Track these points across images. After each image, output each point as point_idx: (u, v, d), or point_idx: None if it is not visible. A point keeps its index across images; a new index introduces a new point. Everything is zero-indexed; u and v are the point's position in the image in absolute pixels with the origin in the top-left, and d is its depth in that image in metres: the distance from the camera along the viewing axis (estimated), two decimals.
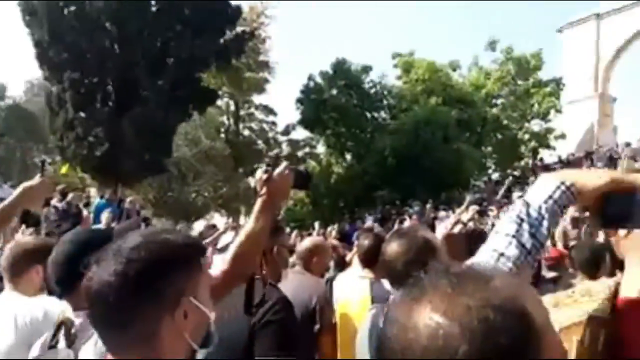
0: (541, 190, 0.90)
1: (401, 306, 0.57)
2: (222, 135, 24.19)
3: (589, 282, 1.11)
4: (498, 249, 0.87)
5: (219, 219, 22.51)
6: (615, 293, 1.03)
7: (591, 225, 3.19)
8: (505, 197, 13.42)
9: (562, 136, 20.85)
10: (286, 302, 1.76)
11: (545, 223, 0.88)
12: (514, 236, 0.87)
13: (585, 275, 3.86)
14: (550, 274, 5.26)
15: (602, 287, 1.06)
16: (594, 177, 0.93)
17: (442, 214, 11.51)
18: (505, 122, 21.08)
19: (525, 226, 0.87)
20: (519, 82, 21.41)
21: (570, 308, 1.05)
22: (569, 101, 23.10)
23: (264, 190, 1.41)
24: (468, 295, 0.53)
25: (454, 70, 22.40)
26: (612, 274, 3.51)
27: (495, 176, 21.21)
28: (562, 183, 0.90)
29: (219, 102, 21.74)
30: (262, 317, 1.66)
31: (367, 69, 20.92)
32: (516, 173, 19.72)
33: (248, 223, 1.43)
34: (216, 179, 23.05)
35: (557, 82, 21.81)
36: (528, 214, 0.88)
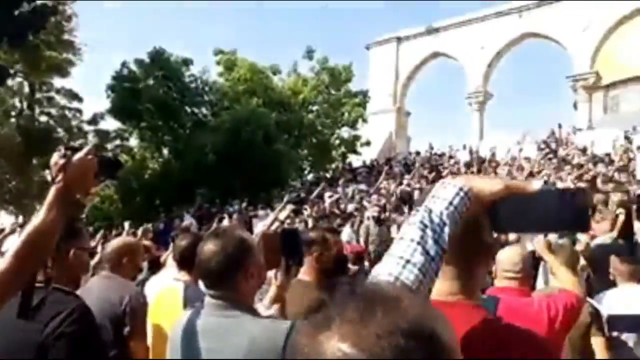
0: (441, 196, 0.91)
1: (307, 335, 0.53)
2: (13, 120, 20.92)
3: None
4: (404, 256, 0.86)
5: (6, 218, 19.47)
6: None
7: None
8: (318, 197, 14.24)
9: (367, 143, 23.08)
10: (84, 311, 1.59)
11: (446, 229, 0.89)
12: (418, 242, 0.87)
13: None
14: (354, 268, 5.76)
15: None
16: (490, 183, 0.97)
17: (261, 212, 11.70)
18: (319, 127, 22.48)
19: (429, 232, 0.87)
20: (332, 91, 23.05)
21: None
22: (373, 112, 25.71)
23: (60, 177, 1.19)
24: (377, 322, 0.51)
25: (275, 74, 23.08)
26: None
27: (310, 177, 22.51)
28: (461, 189, 0.91)
29: (9, 82, 18.75)
30: (56, 328, 1.49)
31: (187, 62, 20.24)
32: (328, 175, 21.18)
33: (37, 215, 1.20)
34: (3, 171, 19.83)
35: (364, 94, 24.02)
36: (431, 220, 0.88)
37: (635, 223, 6.04)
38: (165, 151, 20.42)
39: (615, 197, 6.27)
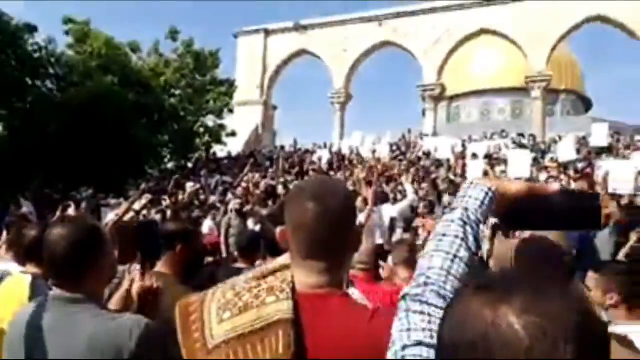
0: (473, 195, 0.98)
1: (480, 306, 0.58)
2: None
3: (271, 277, 1.18)
4: (451, 251, 0.90)
5: None
6: (294, 288, 1.13)
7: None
8: (178, 187, 13.67)
9: (233, 134, 22.77)
10: None
11: (481, 227, 0.95)
12: (462, 239, 0.91)
13: (243, 259, 4.37)
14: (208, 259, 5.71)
15: (280, 281, 1.14)
16: (515, 185, 1.05)
17: (113, 201, 10.86)
18: (182, 113, 21.53)
19: (469, 229, 0.93)
20: (198, 76, 22.24)
21: (257, 311, 1.10)
22: (240, 103, 25.48)
23: None
24: (554, 298, 0.57)
25: (134, 51, 21.49)
26: (264, 259, 4.05)
27: (170, 165, 21.48)
28: (489, 189, 0.98)
29: None
30: None
31: (31, 29, 17.89)
32: (190, 164, 20.47)
33: None
34: None
35: (231, 84, 23.61)
36: (469, 218, 0.94)
37: None
38: None
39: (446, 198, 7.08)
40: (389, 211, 7.78)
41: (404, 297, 0.89)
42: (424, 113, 26.29)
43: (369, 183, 9.10)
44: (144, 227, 1.90)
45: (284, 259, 1.32)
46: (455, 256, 0.90)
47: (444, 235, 0.94)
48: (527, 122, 25.06)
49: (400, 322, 0.85)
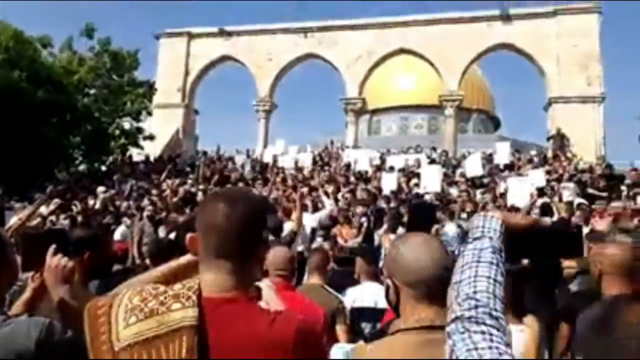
0: (492, 227, 1.14)
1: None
2: None
3: (178, 285, 1.23)
4: (491, 276, 1.02)
5: None
6: (200, 294, 1.19)
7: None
8: (89, 191, 12.99)
9: (151, 137, 21.99)
10: None
11: (502, 254, 1.09)
12: (497, 265, 1.04)
13: (155, 266, 4.32)
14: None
15: (186, 289, 1.20)
16: (522, 219, 1.24)
17: (17, 205, 10.10)
18: (97, 114, 20.47)
19: (499, 257, 1.07)
20: (115, 77, 21.30)
21: (162, 317, 1.16)
22: (160, 106, 24.69)
23: None
24: None
25: (45, 47, 20.17)
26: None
27: (81, 168, 20.30)
28: (503, 221, 1.16)
29: None
30: None
31: None
32: (103, 167, 19.49)
33: None
34: None
35: (151, 86, 22.84)
36: (495, 247, 1.09)
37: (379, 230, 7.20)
38: None
39: (359, 209, 7.41)
40: (309, 220, 7.96)
41: (455, 320, 0.99)
42: (346, 125, 26.98)
43: (294, 188, 9.25)
44: (52, 234, 1.84)
45: (188, 257, 1.39)
46: (495, 280, 1.01)
47: (478, 262, 1.05)
48: (441, 137, 26.54)
49: (464, 342, 0.93)
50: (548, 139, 20.12)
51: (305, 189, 10.04)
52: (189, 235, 1.32)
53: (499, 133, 34.44)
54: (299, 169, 14.94)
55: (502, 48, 23.41)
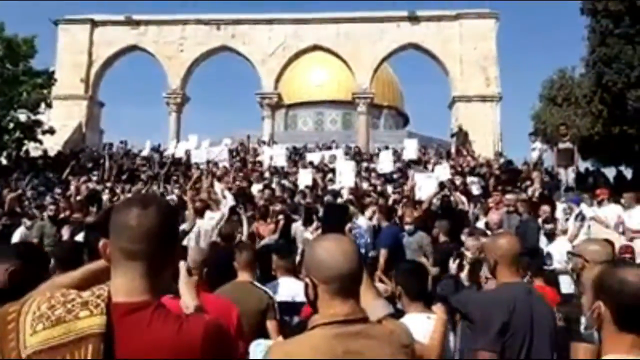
0: None
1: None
2: None
3: (87, 292, 1.24)
4: None
5: None
6: (109, 301, 1.21)
7: None
8: None
9: (51, 131, 20.43)
10: None
11: None
12: None
13: (61, 271, 4.11)
14: None
15: (95, 296, 1.21)
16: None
17: None
18: None
19: None
20: (8, 65, 19.50)
21: (69, 325, 1.17)
22: (60, 97, 23.01)
23: None
24: None
25: None
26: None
27: None
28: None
29: None
30: None
31: None
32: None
33: None
34: None
35: (50, 75, 21.21)
36: None
37: (293, 225, 7.33)
38: None
39: (277, 207, 7.50)
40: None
41: None
42: (263, 119, 26.88)
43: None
44: None
45: (101, 262, 1.40)
46: None
47: None
48: (355, 132, 27.32)
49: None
50: (452, 135, 21.46)
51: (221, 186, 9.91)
52: (102, 241, 1.33)
53: (408, 129, 36.07)
54: (215, 164, 14.68)
55: (411, 48, 24.53)
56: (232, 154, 17.76)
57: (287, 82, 27.69)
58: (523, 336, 2.58)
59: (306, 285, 1.52)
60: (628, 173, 17.86)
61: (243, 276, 3.84)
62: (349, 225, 7.15)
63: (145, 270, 1.24)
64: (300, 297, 4.31)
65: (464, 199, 9.25)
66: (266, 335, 3.47)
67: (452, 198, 8.77)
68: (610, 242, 3.44)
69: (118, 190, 10.90)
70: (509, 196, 9.18)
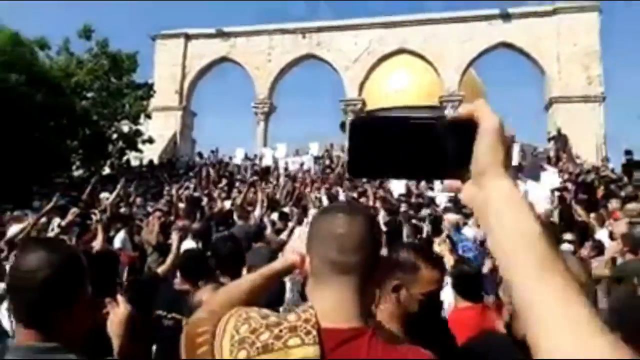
0: None
1: None
2: None
3: (292, 315, 1.05)
4: None
5: None
6: (319, 327, 1.01)
7: None
8: (90, 195, 12.72)
9: (150, 141, 21.72)
10: None
11: None
12: None
13: (185, 280, 4.14)
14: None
15: (302, 320, 1.02)
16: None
17: (16, 212, 9.83)
18: (95, 117, 20.18)
19: None
20: (113, 79, 21.01)
21: (279, 354, 0.98)
22: (158, 108, 24.44)
23: None
24: None
25: (42, 49, 19.88)
26: (210, 278, 3.84)
27: (77, 174, 19.98)
28: None
29: None
30: None
31: None
32: (103, 172, 19.20)
33: None
34: None
35: (149, 87, 22.59)
36: None
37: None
38: None
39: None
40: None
41: None
42: (341, 126, 26.89)
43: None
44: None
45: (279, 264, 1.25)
46: None
47: None
48: None
49: None
50: (549, 139, 20.09)
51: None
52: (295, 254, 1.19)
53: None
54: (306, 171, 14.78)
55: (502, 47, 23.37)
56: (318, 161, 17.82)
57: (368, 88, 27.46)
58: None
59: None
60: None
61: None
62: (451, 238, 6.66)
63: (357, 286, 1.05)
64: None
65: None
66: None
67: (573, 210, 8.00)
68: None
69: (215, 195, 11.19)
70: (630, 206, 8.28)
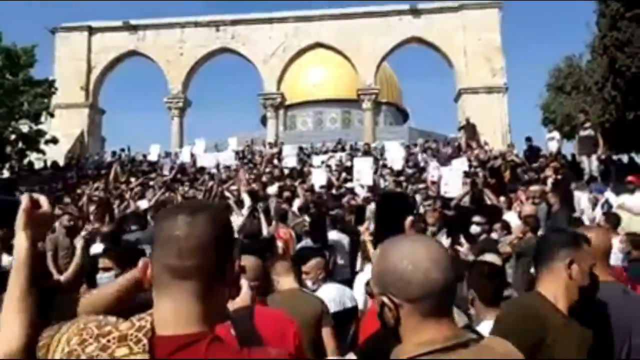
0: None
1: None
2: None
3: (126, 323, 1.00)
4: None
5: None
6: (153, 334, 0.97)
7: None
8: None
9: (54, 141, 20.15)
10: None
11: None
12: None
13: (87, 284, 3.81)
14: None
15: (135, 329, 0.98)
16: None
17: None
18: None
19: None
20: (8, 76, 19.22)
21: None
22: (62, 105, 22.76)
23: None
24: None
25: None
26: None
27: None
28: None
29: None
30: None
31: None
32: (5, 175, 17.58)
33: None
34: None
35: (50, 84, 20.95)
36: None
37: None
38: None
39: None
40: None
41: None
42: (262, 121, 26.65)
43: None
44: None
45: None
46: None
47: None
48: (354, 131, 27.04)
49: None
50: (459, 128, 21.16)
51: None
52: (142, 260, 1.13)
53: (407, 125, 35.79)
54: (227, 167, 14.41)
55: (414, 41, 24.24)
56: (239, 156, 17.49)
57: (286, 82, 27.44)
58: (621, 346, 2.28)
59: (382, 306, 1.21)
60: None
61: (288, 283, 3.59)
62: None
63: (198, 291, 0.99)
64: (349, 304, 4.05)
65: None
66: (320, 345, 3.20)
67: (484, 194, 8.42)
68: None
69: (127, 196, 10.58)
70: (533, 187, 8.91)
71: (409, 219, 2.13)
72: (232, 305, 2.64)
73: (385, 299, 1.19)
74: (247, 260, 2.94)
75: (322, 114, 36.98)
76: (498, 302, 2.83)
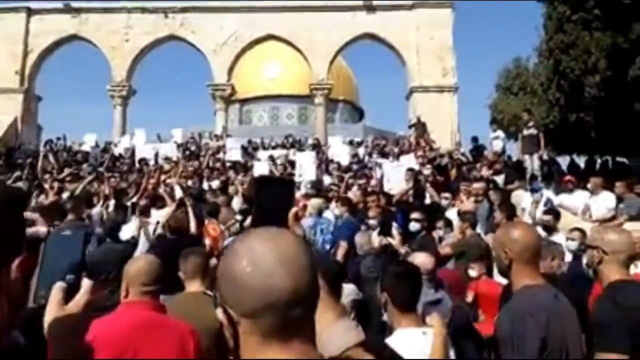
0: None
1: None
2: None
3: None
4: None
5: None
6: None
7: None
8: None
9: None
10: None
11: None
12: None
13: None
14: None
15: None
16: None
17: None
18: None
19: None
20: None
21: None
22: None
23: None
24: None
25: None
26: None
27: None
28: None
29: None
30: None
31: None
32: None
33: None
34: None
35: None
36: None
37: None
38: None
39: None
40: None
41: None
42: (215, 112, 25.86)
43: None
44: None
45: None
46: None
47: None
48: (311, 128, 26.67)
49: None
50: (410, 127, 21.15)
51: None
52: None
53: (363, 123, 35.82)
54: (166, 159, 13.69)
55: (367, 38, 24.06)
56: (182, 148, 16.74)
57: (241, 76, 26.70)
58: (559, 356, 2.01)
59: (221, 325, 0.94)
60: (580, 162, 18.10)
61: (194, 285, 3.23)
62: (311, 219, 6.53)
63: None
64: None
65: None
66: (225, 356, 2.77)
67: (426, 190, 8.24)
68: (625, 230, 2.96)
69: (46, 186, 9.71)
70: (476, 185, 8.82)
71: (294, 210, 1.72)
72: (64, 310, 2.17)
73: (219, 313, 0.92)
74: (143, 261, 2.55)
75: (278, 110, 36.47)
76: (414, 307, 2.50)
